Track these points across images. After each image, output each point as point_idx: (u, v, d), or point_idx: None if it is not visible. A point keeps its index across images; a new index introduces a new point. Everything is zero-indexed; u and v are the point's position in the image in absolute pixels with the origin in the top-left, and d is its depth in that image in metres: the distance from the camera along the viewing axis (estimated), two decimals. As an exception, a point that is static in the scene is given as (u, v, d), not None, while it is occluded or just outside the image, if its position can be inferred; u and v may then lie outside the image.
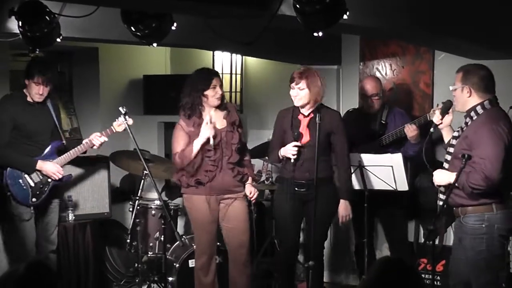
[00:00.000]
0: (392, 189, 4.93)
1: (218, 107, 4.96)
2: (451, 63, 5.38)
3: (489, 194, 4.02)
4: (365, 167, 4.91)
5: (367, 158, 4.96)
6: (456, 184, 4.01)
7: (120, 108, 5.04)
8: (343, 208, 4.99)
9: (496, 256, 4.14)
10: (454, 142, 4.18)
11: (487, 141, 3.97)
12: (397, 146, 5.36)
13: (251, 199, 5.06)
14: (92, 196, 5.94)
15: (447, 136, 4.34)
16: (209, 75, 4.95)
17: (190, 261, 5.47)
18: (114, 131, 5.24)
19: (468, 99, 4.15)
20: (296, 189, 4.96)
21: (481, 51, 5.31)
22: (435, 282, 5.45)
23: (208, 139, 4.84)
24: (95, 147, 5.26)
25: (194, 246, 5.09)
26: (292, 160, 4.84)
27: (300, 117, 4.96)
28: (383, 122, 5.49)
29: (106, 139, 5.25)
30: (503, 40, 5.06)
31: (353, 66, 6.37)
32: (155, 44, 4.26)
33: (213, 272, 5.03)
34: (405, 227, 5.72)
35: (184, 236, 5.67)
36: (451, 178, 4.05)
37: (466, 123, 4.16)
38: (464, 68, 4.26)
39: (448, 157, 4.19)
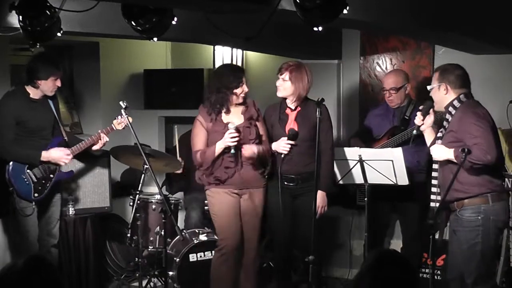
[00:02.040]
0: (393, 183, 4.92)
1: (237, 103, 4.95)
2: (451, 58, 5.38)
3: (485, 185, 4.09)
4: (366, 161, 4.90)
5: (368, 152, 4.97)
6: (455, 160, 4.07)
7: (121, 103, 5.04)
8: (321, 199, 5.04)
9: (490, 248, 4.18)
10: (439, 142, 4.22)
11: (474, 122, 4.10)
12: (420, 142, 5.24)
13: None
14: (92, 191, 5.95)
15: (429, 138, 4.41)
16: (239, 73, 4.95)
17: (190, 255, 5.48)
18: (114, 129, 5.24)
19: (445, 96, 4.25)
20: (285, 183, 5.00)
21: (481, 46, 5.31)
22: (436, 277, 5.46)
23: (230, 146, 4.81)
24: (97, 146, 5.26)
25: (218, 242, 5.06)
26: (282, 155, 4.86)
27: (288, 111, 5.00)
28: (406, 118, 5.42)
29: (108, 139, 5.26)
30: (503, 34, 5.06)
31: (354, 61, 6.37)
32: (155, 39, 4.25)
33: (232, 267, 5.03)
34: (418, 222, 5.61)
35: (184, 231, 5.67)
36: (449, 155, 4.12)
37: (447, 120, 4.26)
38: (441, 67, 4.38)
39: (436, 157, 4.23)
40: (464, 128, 4.09)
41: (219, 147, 4.81)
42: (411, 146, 5.15)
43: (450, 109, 4.25)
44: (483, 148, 4.00)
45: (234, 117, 4.93)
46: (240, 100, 4.91)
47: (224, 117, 4.91)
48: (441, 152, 4.19)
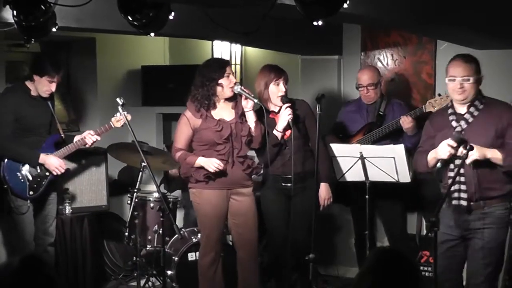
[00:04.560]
0: (394, 180, 4.90)
1: (228, 98, 4.91)
2: (453, 53, 5.32)
3: (510, 181, 4.12)
4: (367, 158, 4.88)
5: (369, 149, 4.94)
6: (501, 163, 4.05)
7: (118, 99, 5.01)
8: (324, 191, 5.06)
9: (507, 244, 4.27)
10: (455, 133, 4.16)
11: None
12: (395, 138, 5.34)
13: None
14: (89, 189, 5.94)
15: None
16: (222, 63, 4.89)
17: (189, 254, 5.46)
18: (113, 126, 5.22)
19: (477, 89, 4.18)
20: (282, 184, 5.01)
21: (484, 41, 5.28)
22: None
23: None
24: (87, 145, 5.24)
25: (201, 243, 5.03)
26: (290, 120, 4.84)
27: (272, 115, 5.04)
28: (381, 113, 5.49)
29: (99, 138, 5.23)
30: (508, 28, 5.03)
31: (355, 56, 6.34)
32: (152, 34, 4.22)
33: (221, 268, 5.01)
34: (404, 219, 5.71)
35: (183, 229, 5.66)
36: (493, 154, 4.06)
37: (471, 113, 4.17)
38: (472, 57, 4.26)
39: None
40: (508, 124, 4.09)
41: (199, 162, 4.76)
42: (386, 142, 5.19)
43: (477, 102, 4.17)
44: None
45: (225, 112, 4.89)
46: (229, 93, 4.86)
47: (214, 113, 4.86)
48: (482, 153, 4.07)
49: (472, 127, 4.16)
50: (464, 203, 4.15)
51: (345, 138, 5.56)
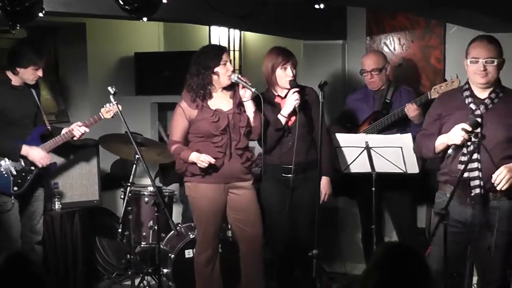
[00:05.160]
0: (402, 171, 4.90)
1: (225, 87, 4.89)
2: (463, 37, 5.33)
3: None
4: (373, 148, 4.87)
5: (375, 139, 4.93)
6: None
7: (109, 88, 4.98)
8: (325, 185, 5.05)
9: None
10: (479, 120, 4.10)
11: None
12: (402, 127, 5.33)
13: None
14: (80, 183, 5.93)
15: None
16: (218, 51, 4.87)
17: (186, 251, 5.46)
18: (102, 117, 5.21)
19: (499, 74, 4.16)
20: (283, 175, 5.00)
21: (496, 23, 5.26)
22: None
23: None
24: (75, 138, 5.22)
25: (197, 240, 5.04)
26: (297, 105, 4.87)
27: (278, 99, 5.05)
28: (388, 101, 5.47)
29: (87, 129, 5.21)
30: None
31: (359, 41, 6.32)
32: (145, 19, 4.21)
33: (219, 265, 5.00)
34: (413, 212, 5.71)
35: (179, 225, 5.66)
36: None
37: (492, 100, 4.14)
38: (495, 39, 4.22)
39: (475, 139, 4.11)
40: None
41: (192, 157, 4.75)
42: (393, 131, 5.18)
43: (498, 89, 4.16)
44: None
45: (222, 102, 4.87)
46: (226, 82, 4.84)
47: (211, 103, 4.84)
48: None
49: (491, 113, 4.12)
50: (478, 191, 4.11)
51: (352, 128, 5.55)
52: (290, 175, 4.97)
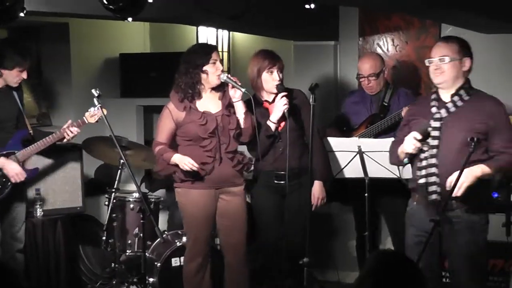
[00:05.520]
0: (396, 176, 4.90)
1: (214, 88, 4.88)
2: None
3: None
4: (365, 153, 4.87)
5: (368, 143, 4.93)
6: (493, 174, 4.04)
7: (93, 91, 4.96)
8: (318, 190, 5.05)
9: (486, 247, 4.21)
10: (437, 124, 4.10)
11: (509, 124, 4.07)
12: None
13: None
14: (63, 189, 5.91)
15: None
16: (207, 49, 4.86)
17: (173, 259, 5.44)
18: (87, 122, 5.19)
19: (464, 73, 4.12)
20: (275, 181, 5.00)
21: (492, 24, 5.29)
22: (443, 279, 5.45)
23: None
24: (65, 140, 5.19)
25: (187, 247, 5.01)
26: (286, 110, 4.85)
27: (266, 104, 5.04)
28: (385, 104, 5.48)
29: (79, 130, 5.19)
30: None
31: (352, 42, 6.34)
32: (130, 19, 4.22)
33: (209, 274, 4.99)
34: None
35: (166, 232, 5.64)
36: (483, 170, 4.00)
37: (454, 103, 4.10)
38: (457, 39, 4.20)
39: (435, 142, 4.10)
40: (501, 125, 4.04)
41: (175, 159, 4.73)
42: (390, 135, 5.20)
43: (462, 92, 4.11)
44: None
45: (210, 103, 4.86)
46: (215, 82, 4.84)
47: (199, 105, 4.83)
48: (472, 176, 4.00)
49: (452, 118, 4.10)
50: (435, 197, 4.11)
51: (348, 131, 5.55)
52: (282, 182, 4.96)
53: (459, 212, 4.09)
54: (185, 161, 4.70)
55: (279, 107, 4.89)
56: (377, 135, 5.34)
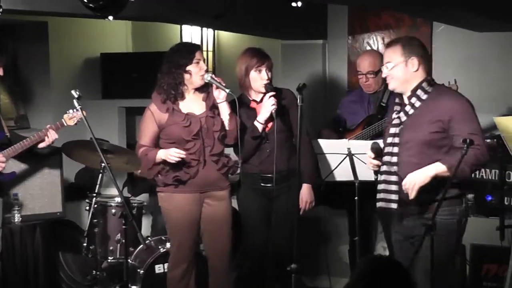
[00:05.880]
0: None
1: (198, 88, 4.88)
2: (451, 36, 5.40)
3: (461, 184, 4.01)
4: (355, 155, 4.89)
5: (357, 145, 4.94)
6: (449, 174, 3.90)
7: (73, 92, 4.95)
8: (306, 193, 5.07)
9: (452, 256, 4.19)
10: (396, 130, 4.10)
11: (471, 115, 3.99)
12: None
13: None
14: (42, 194, 5.88)
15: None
16: (191, 48, 4.86)
17: (156, 266, 5.43)
18: (65, 124, 5.17)
19: (414, 74, 4.06)
20: (262, 184, 5.01)
21: (486, 22, 5.32)
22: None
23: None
24: (43, 144, 5.16)
25: (171, 253, 5.02)
26: (273, 111, 4.86)
27: (253, 104, 5.04)
28: (383, 105, 5.45)
29: (57, 136, 5.17)
30: (510, 10, 5.06)
31: (341, 40, 6.36)
32: (111, 17, 4.22)
33: (194, 280, 4.99)
34: None
35: (149, 238, 5.63)
36: (436, 169, 3.94)
37: (412, 105, 4.06)
38: (400, 40, 4.18)
39: (395, 149, 4.10)
40: (458, 119, 3.94)
41: (160, 155, 4.74)
42: None
43: (419, 92, 4.05)
44: (482, 147, 3.91)
45: (194, 104, 4.86)
46: (198, 82, 4.84)
47: (182, 106, 4.83)
48: (425, 175, 3.96)
49: (411, 120, 4.07)
50: (395, 206, 4.10)
51: (344, 132, 5.55)
52: (269, 185, 4.97)
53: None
54: (170, 152, 4.70)
55: (266, 107, 4.91)
56: (374, 137, 5.28)
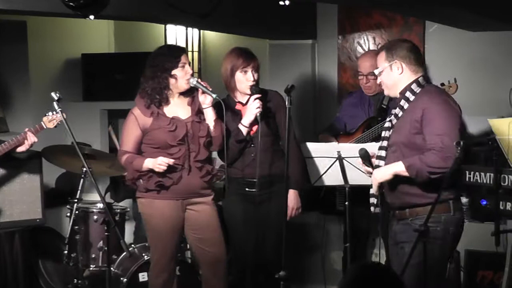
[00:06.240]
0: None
1: (183, 93, 4.88)
2: (444, 36, 5.42)
3: (447, 189, 3.94)
4: (346, 158, 4.90)
5: (348, 148, 4.94)
6: (408, 174, 3.95)
7: (53, 94, 4.94)
8: (293, 199, 5.07)
9: (444, 266, 4.15)
10: (386, 134, 4.16)
11: (442, 115, 3.96)
12: None
13: None
14: (21, 200, 5.84)
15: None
16: (176, 52, 4.86)
17: (140, 274, 5.43)
18: (45, 127, 5.16)
19: (399, 77, 4.11)
20: (246, 189, 5.03)
21: (479, 21, 5.34)
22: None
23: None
24: (22, 147, 5.15)
25: (152, 262, 5.00)
26: (258, 114, 4.87)
27: (238, 106, 5.05)
28: (384, 107, 5.45)
29: (36, 139, 5.16)
30: (505, 7, 5.09)
31: (331, 40, 6.38)
32: (92, 17, 4.21)
33: None
34: None
35: (132, 245, 5.63)
36: (396, 168, 3.99)
37: (401, 107, 4.11)
38: (385, 46, 4.27)
39: (383, 153, 4.14)
40: (428, 119, 3.95)
41: (147, 165, 4.73)
42: None
43: (408, 94, 4.09)
44: (444, 151, 3.87)
45: (179, 109, 4.86)
46: (184, 87, 4.84)
47: (167, 111, 4.83)
48: (386, 171, 4.05)
49: (398, 123, 4.13)
50: (373, 209, 4.17)
51: (344, 136, 5.55)
52: (253, 190, 4.98)
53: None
54: (158, 162, 4.70)
55: (251, 110, 4.91)
56: (374, 140, 5.28)
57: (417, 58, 4.14)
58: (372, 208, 4.19)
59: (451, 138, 3.88)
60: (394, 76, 4.12)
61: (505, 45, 5.81)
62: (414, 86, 4.09)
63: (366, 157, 4.20)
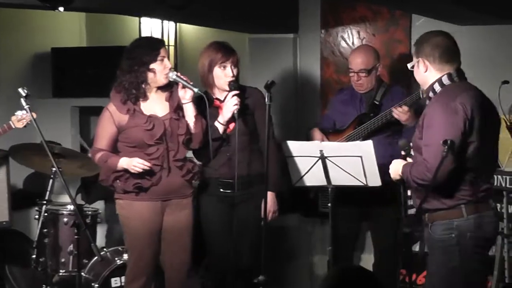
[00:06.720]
0: (362, 184, 4.94)
1: (160, 87, 4.86)
2: (431, 29, 5.42)
3: (457, 193, 3.96)
4: (328, 158, 4.91)
5: (331, 147, 4.96)
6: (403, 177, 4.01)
7: (20, 90, 4.89)
8: (270, 202, 5.05)
9: (473, 272, 4.03)
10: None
11: (438, 123, 3.92)
12: (397, 130, 5.31)
13: None
14: (-14, 201, 5.86)
15: None
16: (155, 44, 4.84)
17: (112, 279, 5.42)
18: (13, 127, 5.14)
19: (425, 75, 4.09)
20: (221, 190, 5.03)
21: (468, 15, 5.37)
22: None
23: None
24: None
25: (128, 265, 4.99)
26: (236, 111, 4.88)
27: (217, 103, 5.06)
28: (376, 103, 5.44)
29: None
30: (495, 1, 5.12)
31: (313, 34, 6.39)
32: (61, 9, 4.20)
33: None
34: (393, 233, 5.48)
35: (104, 249, 5.62)
36: (400, 169, 4.04)
37: (427, 107, 4.11)
38: (418, 39, 4.24)
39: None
40: (426, 126, 3.95)
41: (122, 163, 4.72)
42: (385, 136, 5.21)
43: (430, 94, 4.09)
44: (428, 162, 3.86)
45: (157, 105, 4.84)
46: (163, 81, 4.83)
47: (144, 107, 4.81)
48: (395, 170, 4.10)
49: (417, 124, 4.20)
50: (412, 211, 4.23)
51: (335, 133, 5.55)
52: (229, 191, 4.97)
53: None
54: (133, 163, 4.68)
55: (228, 107, 4.91)
56: (366, 137, 5.27)
57: (444, 55, 4.04)
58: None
59: (434, 149, 3.84)
60: (421, 74, 4.11)
61: (494, 39, 5.84)
62: (436, 85, 4.07)
63: (406, 148, 4.14)
